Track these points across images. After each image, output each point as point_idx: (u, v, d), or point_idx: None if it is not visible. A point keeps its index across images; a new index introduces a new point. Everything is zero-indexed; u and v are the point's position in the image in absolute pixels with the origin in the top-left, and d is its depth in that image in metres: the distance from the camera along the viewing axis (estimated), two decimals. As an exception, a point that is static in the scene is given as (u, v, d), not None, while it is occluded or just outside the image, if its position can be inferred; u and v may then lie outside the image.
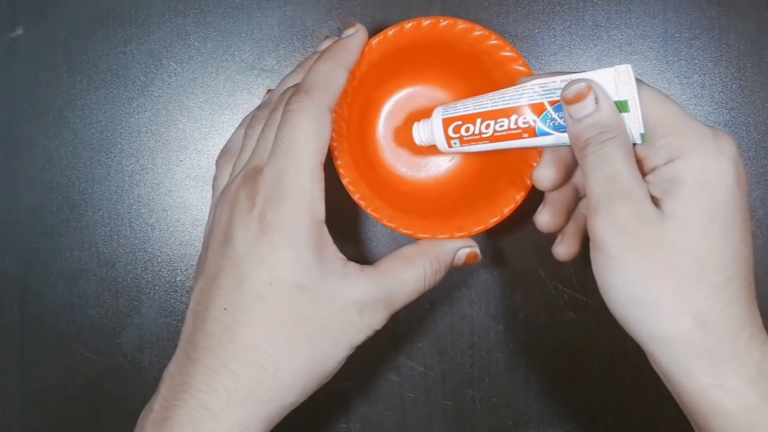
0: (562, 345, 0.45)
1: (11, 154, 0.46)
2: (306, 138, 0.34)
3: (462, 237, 0.38)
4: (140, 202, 0.46)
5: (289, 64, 0.45)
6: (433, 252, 0.38)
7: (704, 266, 0.31)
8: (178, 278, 0.46)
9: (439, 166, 0.43)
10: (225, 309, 0.34)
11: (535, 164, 0.38)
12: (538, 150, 0.38)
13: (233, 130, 0.43)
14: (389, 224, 0.38)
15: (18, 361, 0.46)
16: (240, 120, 0.44)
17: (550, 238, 0.46)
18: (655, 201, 0.33)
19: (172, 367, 0.35)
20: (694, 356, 0.31)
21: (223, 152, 0.40)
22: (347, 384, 0.46)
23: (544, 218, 0.38)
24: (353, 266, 0.35)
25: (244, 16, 0.45)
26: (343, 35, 0.38)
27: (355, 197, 0.38)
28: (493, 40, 0.38)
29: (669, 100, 0.33)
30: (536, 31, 0.45)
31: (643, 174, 0.34)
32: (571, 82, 0.33)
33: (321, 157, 0.35)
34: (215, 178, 0.40)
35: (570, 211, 0.39)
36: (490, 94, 0.36)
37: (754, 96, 0.45)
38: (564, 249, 0.39)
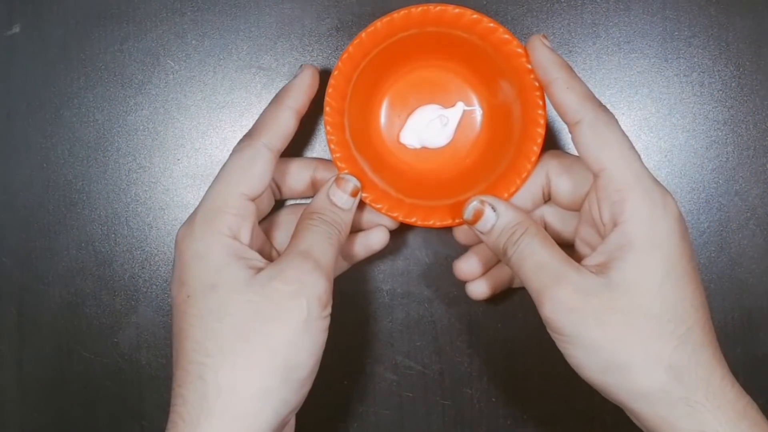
0: (560, 344, 0.45)
1: (8, 153, 0.46)
2: (233, 169, 0.37)
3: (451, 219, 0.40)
4: (137, 200, 0.46)
5: (286, 62, 0.45)
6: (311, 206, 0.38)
7: (663, 322, 0.33)
8: (175, 277, 0.46)
9: (446, 151, 0.43)
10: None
11: (533, 159, 0.39)
12: (540, 135, 0.39)
13: (231, 129, 0.43)
14: (390, 213, 0.39)
15: (15, 360, 0.46)
16: (238, 117, 0.44)
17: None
18: (603, 267, 0.34)
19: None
20: (673, 406, 0.33)
21: None
22: (345, 383, 0.46)
23: (465, 266, 0.41)
24: (275, 264, 0.36)
25: (241, 14, 0.45)
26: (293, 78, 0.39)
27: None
28: (487, 23, 0.38)
29: (614, 150, 0.34)
30: (535, 29, 0.45)
31: (582, 238, 0.38)
32: (467, 205, 0.37)
33: (246, 186, 0.36)
34: None
35: (490, 265, 0.42)
36: None
37: (754, 94, 0.45)
38: (480, 288, 0.42)
